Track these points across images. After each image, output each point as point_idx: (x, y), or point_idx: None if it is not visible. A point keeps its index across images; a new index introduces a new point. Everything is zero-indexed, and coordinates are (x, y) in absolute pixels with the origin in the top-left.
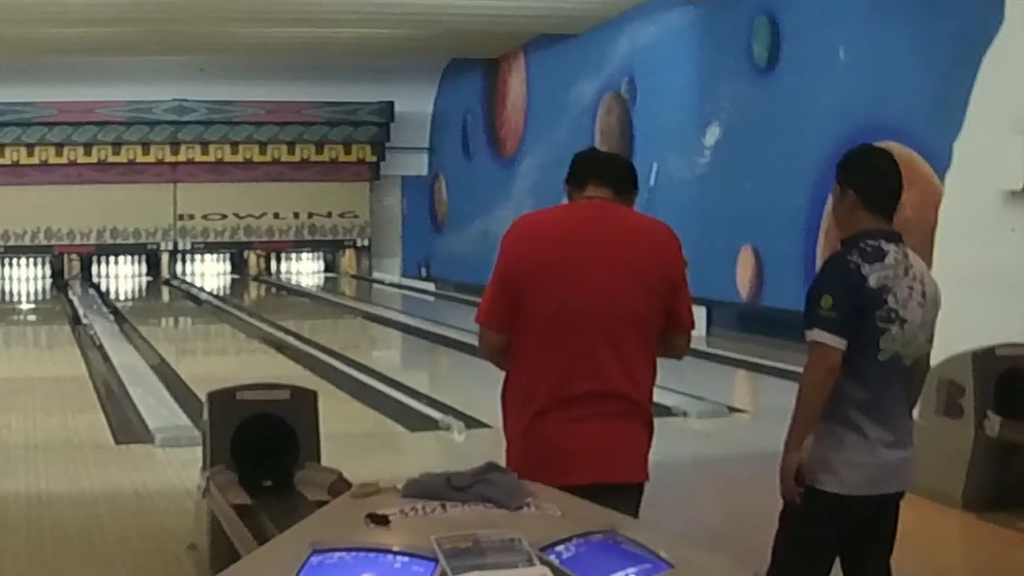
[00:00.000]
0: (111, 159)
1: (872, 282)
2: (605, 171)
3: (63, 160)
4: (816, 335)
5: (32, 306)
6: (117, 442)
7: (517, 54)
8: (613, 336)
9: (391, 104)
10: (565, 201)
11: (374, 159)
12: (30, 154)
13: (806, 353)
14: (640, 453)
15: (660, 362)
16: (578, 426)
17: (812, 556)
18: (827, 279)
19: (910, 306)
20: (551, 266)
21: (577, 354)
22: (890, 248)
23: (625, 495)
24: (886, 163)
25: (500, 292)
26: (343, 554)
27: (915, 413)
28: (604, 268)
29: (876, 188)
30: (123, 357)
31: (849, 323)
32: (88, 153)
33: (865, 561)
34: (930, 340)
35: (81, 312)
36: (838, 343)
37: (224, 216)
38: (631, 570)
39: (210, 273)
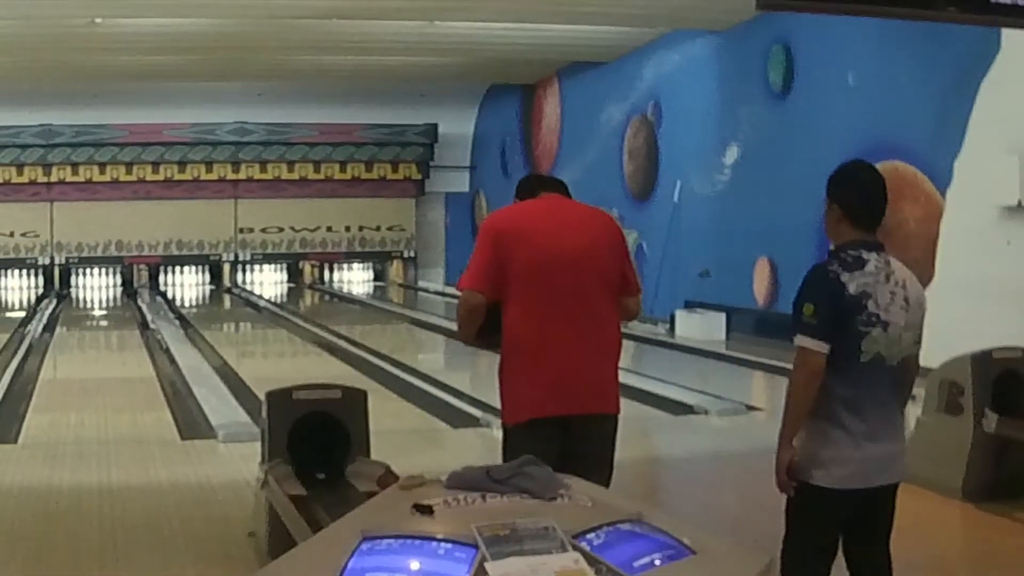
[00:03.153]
0: (177, 177)
1: (851, 289)
2: (551, 184)
3: (133, 178)
4: (800, 340)
5: (104, 312)
6: (183, 438)
7: (552, 80)
8: (582, 287)
9: (435, 126)
10: None
11: (419, 177)
12: (102, 172)
13: None
14: (614, 389)
15: (684, 365)
16: (560, 366)
17: (811, 546)
18: (809, 288)
19: (893, 310)
20: (531, 230)
21: (554, 302)
22: (871, 257)
23: (606, 429)
24: (870, 179)
25: (488, 258)
26: (391, 541)
27: (918, 410)
28: (571, 233)
29: (858, 203)
30: (188, 359)
31: (830, 328)
32: (156, 171)
33: (865, 551)
34: (917, 342)
35: (149, 318)
36: (820, 347)
37: (281, 229)
38: (656, 555)
39: (268, 282)
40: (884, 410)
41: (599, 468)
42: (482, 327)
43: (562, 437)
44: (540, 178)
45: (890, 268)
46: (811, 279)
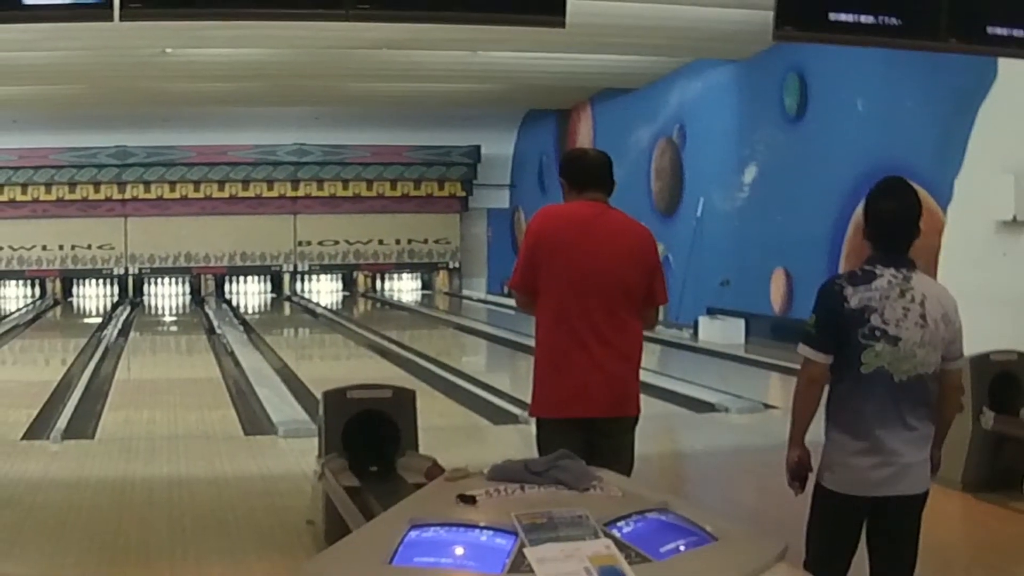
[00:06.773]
0: (240, 194)
1: (853, 303)
2: (600, 180)
3: (200, 195)
4: (800, 348)
5: (174, 318)
6: (246, 434)
7: (585, 105)
8: (608, 298)
9: (478, 147)
10: None
11: (463, 194)
12: (172, 190)
13: None
14: (634, 393)
15: (707, 367)
16: (584, 373)
17: (828, 542)
18: (816, 300)
19: (905, 325)
20: (566, 239)
21: (580, 311)
22: (886, 272)
23: (625, 426)
24: (886, 208)
25: (527, 261)
26: (437, 528)
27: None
28: (604, 245)
29: (872, 227)
30: (251, 361)
31: (829, 339)
32: (221, 189)
33: (882, 560)
34: (954, 358)
35: (215, 324)
36: (816, 356)
37: (336, 242)
38: (681, 542)
39: (325, 291)
40: (893, 423)
41: (620, 462)
42: None
43: (586, 433)
44: (592, 172)
45: (908, 284)
46: (820, 291)
